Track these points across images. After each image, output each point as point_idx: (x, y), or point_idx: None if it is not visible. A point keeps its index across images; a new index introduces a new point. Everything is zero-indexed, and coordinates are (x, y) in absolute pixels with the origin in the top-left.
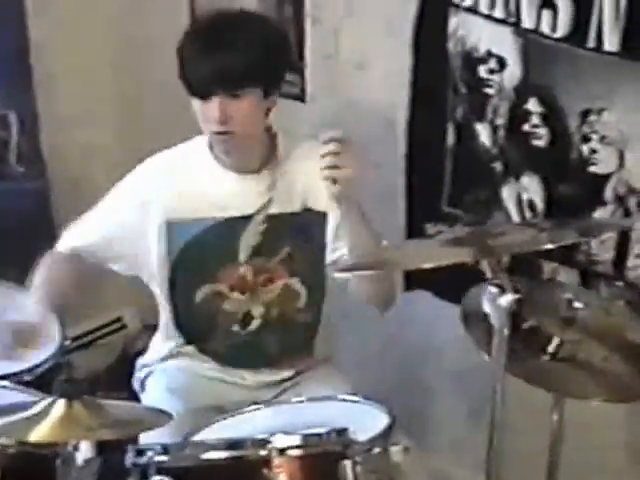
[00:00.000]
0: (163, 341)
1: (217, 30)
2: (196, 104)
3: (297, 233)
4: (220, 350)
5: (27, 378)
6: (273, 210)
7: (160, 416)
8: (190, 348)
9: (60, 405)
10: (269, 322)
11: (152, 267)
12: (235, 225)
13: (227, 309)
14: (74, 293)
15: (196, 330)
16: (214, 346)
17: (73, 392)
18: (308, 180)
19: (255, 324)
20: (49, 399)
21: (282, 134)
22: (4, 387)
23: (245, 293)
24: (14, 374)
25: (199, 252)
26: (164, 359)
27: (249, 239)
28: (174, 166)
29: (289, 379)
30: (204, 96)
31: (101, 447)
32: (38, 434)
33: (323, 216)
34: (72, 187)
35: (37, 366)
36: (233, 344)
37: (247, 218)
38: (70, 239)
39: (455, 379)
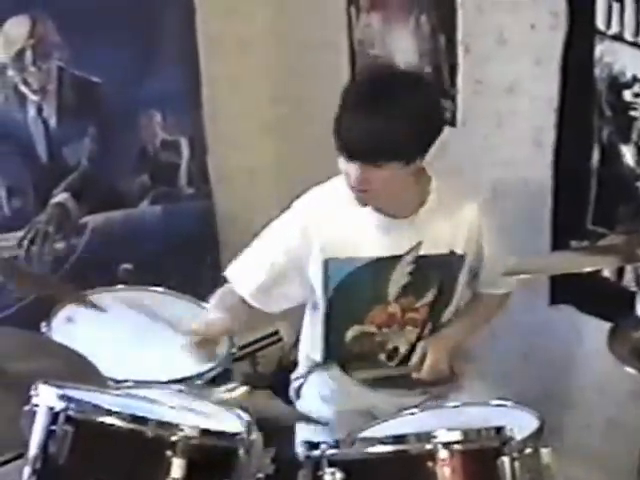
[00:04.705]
0: (305, 354)
1: (372, 98)
2: (341, 160)
3: (442, 274)
4: (364, 375)
5: (198, 382)
6: (422, 252)
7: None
8: (336, 370)
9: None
10: (411, 357)
11: (315, 294)
12: (384, 265)
13: (377, 341)
14: (245, 319)
15: (345, 362)
16: (359, 372)
17: (257, 382)
18: (456, 225)
19: (399, 358)
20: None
21: (435, 178)
22: (181, 391)
23: (392, 327)
24: (187, 378)
25: (350, 292)
26: (313, 371)
27: (398, 279)
28: (328, 203)
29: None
30: (347, 159)
31: (272, 440)
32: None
33: (462, 259)
34: (236, 208)
35: (208, 371)
36: (377, 370)
37: (396, 258)
38: (241, 282)
39: (595, 390)
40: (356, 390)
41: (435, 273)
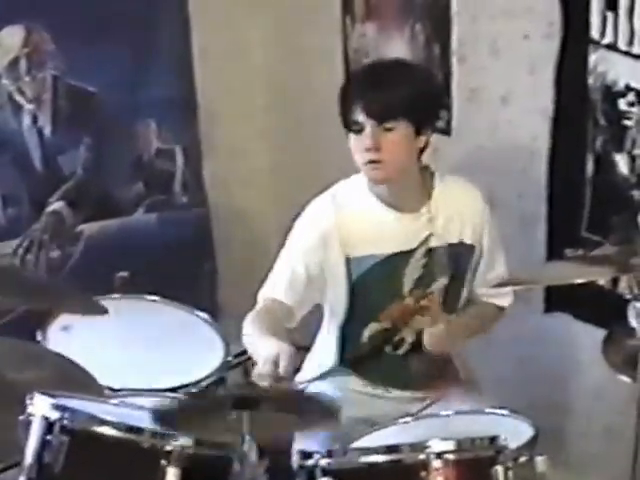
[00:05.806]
0: (318, 362)
1: (374, 74)
2: (352, 138)
3: (452, 263)
4: (370, 368)
5: (193, 390)
6: (432, 244)
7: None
8: (343, 368)
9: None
10: (416, 347)
11: (333, 299)
12: (398, 260)
13: (388, 336)
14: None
15: (358, 359)
16: (366, 365)
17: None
18: (463, 216)
19: (405, 348)
20: None
21: (439, 172)
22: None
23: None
24: (181, 387)
25: (367, 289)
26: (317, 378)
27: (412, 273)
28: (342, 204)
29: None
30: (358, 129)
31: (266, 450)
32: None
33: (472, 248)
34: (231, 215)
35: (203, 379)
36: (383, 363)
37: (409, 253)
38: (270, 292)
39: (590, 398)
40: (359, 398)
41: (446, 263)
